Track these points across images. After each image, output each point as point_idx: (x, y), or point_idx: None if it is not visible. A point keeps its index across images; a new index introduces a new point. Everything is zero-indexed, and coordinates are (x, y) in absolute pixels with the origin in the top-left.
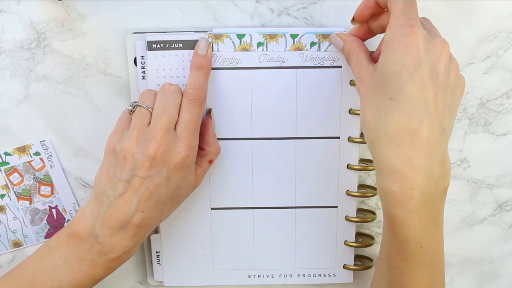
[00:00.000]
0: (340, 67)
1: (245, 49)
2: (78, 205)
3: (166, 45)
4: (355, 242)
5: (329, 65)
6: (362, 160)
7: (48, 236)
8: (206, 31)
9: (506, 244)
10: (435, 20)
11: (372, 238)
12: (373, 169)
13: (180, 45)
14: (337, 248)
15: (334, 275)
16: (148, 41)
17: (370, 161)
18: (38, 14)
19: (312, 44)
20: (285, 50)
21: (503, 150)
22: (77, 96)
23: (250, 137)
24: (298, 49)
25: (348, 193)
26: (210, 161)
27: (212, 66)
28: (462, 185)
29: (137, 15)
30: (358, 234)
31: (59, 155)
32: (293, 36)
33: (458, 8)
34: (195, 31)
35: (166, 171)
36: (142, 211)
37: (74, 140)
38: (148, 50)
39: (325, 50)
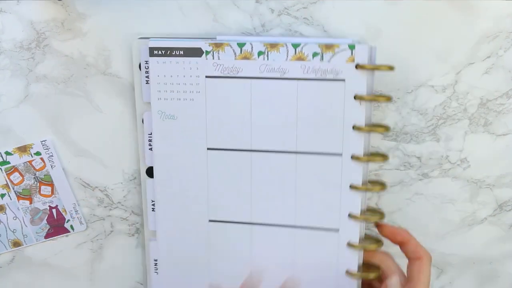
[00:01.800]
0: (344, 80)
1: (245, 58)
2: (78, 205)
3: (167, 52)
4: (358, 271)
5: (332, 78)
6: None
7: (48, 236)
8: (210, 38)
9: (506, 244)
10: (435, 20)
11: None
12: (380, 190)
13: (181, 52)
14: (339, 279)
15: None
16: (150, 47)
17: (375, 182)
18: (38, 14)
19: (315, 54)
20: (286, 60)
21: (503, 150)
22: (77, 96)
23: (250, 148)
24: (300, 59)
25: (351, 215)
26: None
27: (212, 75)
28: (462, 185)
29: (137, 14)
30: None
31: (59, 155)
32: (295, 46)
33: (458, 8)
34: (199, 38)
35: None
36: None
37: (74, 140)
38: (150, 56)
39: (328, 61)
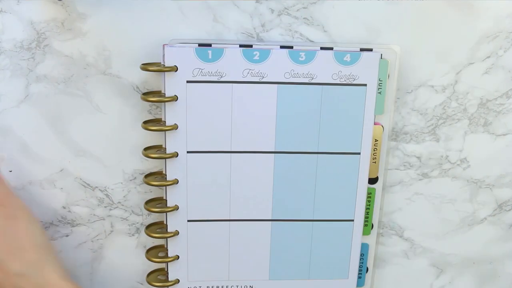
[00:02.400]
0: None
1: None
2: None
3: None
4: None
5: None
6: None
7: None
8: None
9: (506, 244)
10: (435, 20)
11: None
12: None
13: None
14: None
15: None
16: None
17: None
18: (38, 14)
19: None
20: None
21: (503, 150)
22: (77, 96)
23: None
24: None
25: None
26: None
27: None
28: (462, 185)
29: (137, 14)
30: None
31: (59, 155)
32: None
33: (458, 8)
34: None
35: None
36: None
37: (74, 140)
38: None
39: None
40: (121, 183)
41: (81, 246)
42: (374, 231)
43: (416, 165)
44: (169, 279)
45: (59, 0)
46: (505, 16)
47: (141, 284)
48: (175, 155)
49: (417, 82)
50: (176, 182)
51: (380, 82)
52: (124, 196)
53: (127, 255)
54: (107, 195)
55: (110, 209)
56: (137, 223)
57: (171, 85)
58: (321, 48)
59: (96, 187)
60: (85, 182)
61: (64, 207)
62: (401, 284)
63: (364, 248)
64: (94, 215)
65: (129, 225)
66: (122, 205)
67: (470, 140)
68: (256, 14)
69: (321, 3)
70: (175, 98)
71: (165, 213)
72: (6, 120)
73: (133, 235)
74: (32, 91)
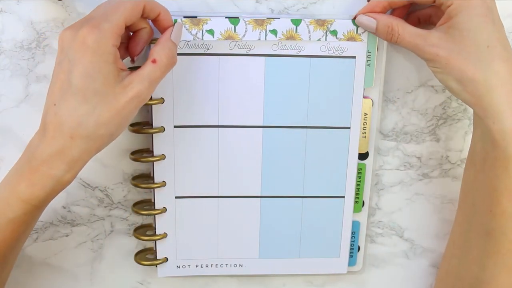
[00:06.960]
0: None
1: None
2: None
3: None
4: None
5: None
6: None
7: None
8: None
9: None
10: None
11: None
12: None
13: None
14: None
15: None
16: None
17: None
18: (38, 14)
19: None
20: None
21: None
22: None
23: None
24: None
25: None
26: (154, 61)
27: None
28: None
29: None
30: None
31: None
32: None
33: None
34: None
35: (71, 54)
36: (54, 104)
37: None
38: None
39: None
40: (121, 183)
41: (81, 246)
42: (366, 208)
43: (416, 165)
44: (158, 258)
45: (59, 0)
46: (505, 16)
47: (141, 284)
48: (162, 130)
49: (417, 82)
50: (163, 157)
51: (369, 54)
52: (124, 196)
53: (127, 255)
54: (107, 195)
55: (110, 209)
56: (137, 223)
57: None
58: None
59: (96, 187)
60: (85, 182)
61: (64, 207)
62: (401, 285)
63: (355, 226)
64: (94, 215)
65: (129, 225)
66: (122, 205)
67: (470, 140)
68: (256, 14)
69: (321, 3)
70: None
71: (152, 190)
72: (6, 120)
73: (133, 235)
74: (32, 91)
